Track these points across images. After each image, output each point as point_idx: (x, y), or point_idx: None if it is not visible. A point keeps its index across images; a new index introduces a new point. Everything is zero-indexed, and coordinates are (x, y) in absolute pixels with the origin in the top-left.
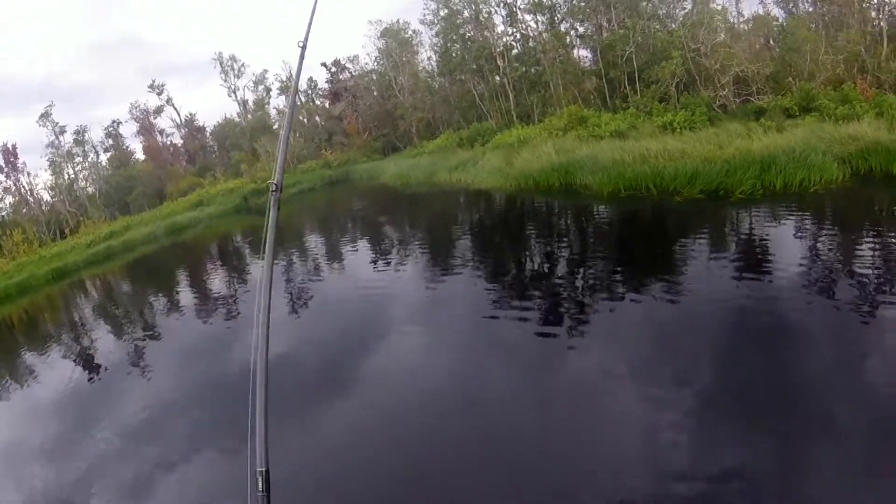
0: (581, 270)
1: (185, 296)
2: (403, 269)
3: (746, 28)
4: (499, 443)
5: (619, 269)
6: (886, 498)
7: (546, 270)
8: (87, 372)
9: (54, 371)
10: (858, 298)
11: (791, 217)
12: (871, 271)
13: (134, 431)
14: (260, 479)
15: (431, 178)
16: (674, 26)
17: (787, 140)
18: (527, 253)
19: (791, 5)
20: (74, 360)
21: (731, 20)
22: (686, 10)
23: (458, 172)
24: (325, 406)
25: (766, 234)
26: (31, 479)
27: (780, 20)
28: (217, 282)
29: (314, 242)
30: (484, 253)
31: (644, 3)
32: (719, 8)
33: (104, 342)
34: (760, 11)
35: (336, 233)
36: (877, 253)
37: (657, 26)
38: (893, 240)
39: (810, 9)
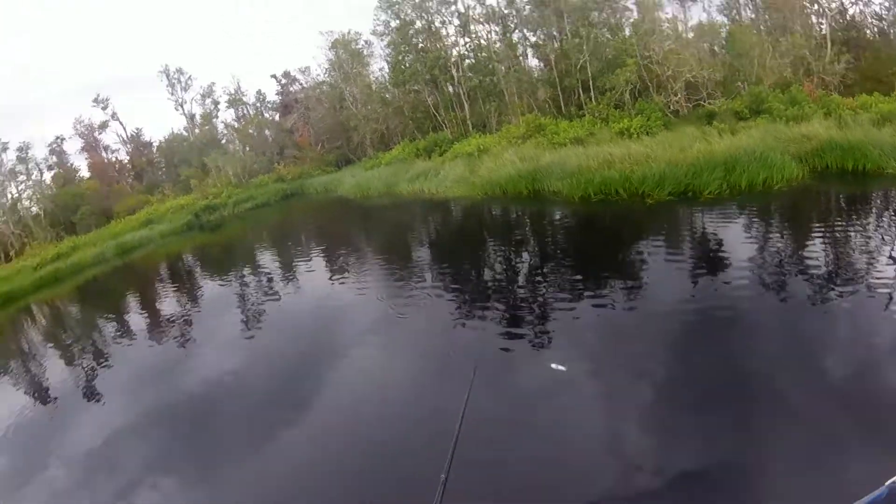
0: (553, 275)
1: (139, 320)
2: (375, 283)
3: (692, 36)
4: (470, 449)
5: (591, 272)
6: (840, 474)
7: (521, 276)
8: (34, 403)
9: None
10: (814, 292)
11: (757, 216)
12: (829, 266)
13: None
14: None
15: (392, 189)
16: (626, 34)
17: (745, 141)
18: (502, 260)
19: (734, 13)
20: (22, 393)
21: (680, 28)
22: (632, 19)
23: (419, 182)
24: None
25: (735, 234)
26: None
27: (725, 28)
28: (170, 305)
29: (276, 261)
30: (459, 262)
31: (595, 13)
32: (668, 17)
33: (55, 374)
34: (704, 19)
35: (298, 249)
36: (836, 248)
37: (608, 35)
38: (851, 233)
39: (752, 15)
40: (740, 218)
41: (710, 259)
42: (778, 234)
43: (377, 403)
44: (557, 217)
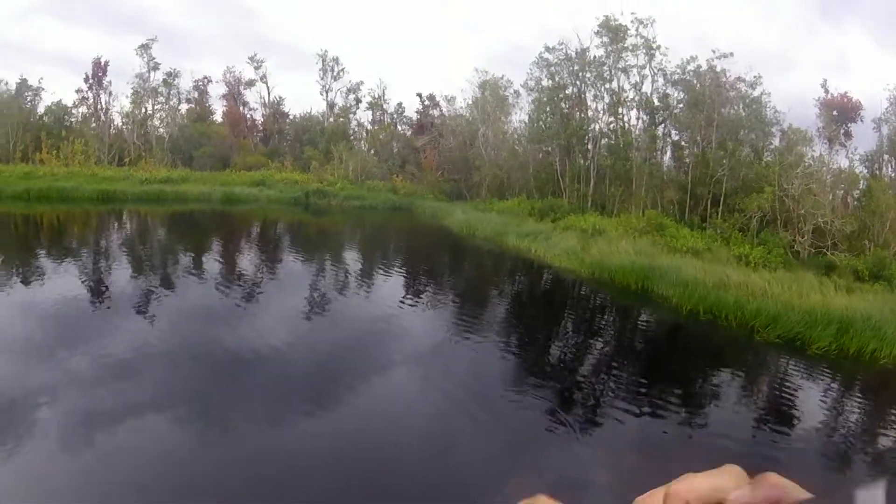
0: (628, 378)
1: (215, 265)
2: (445, 317)
3: (830, 179)
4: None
5: (666, 389)
6: None
7: (593, 366)
8: (88, 298)
9: (49, 282)
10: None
11: (858, 387)
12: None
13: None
14: None
15: (499, 238)
16: (768, 159)
17: (861, 304)
18: (585, 345)
19: (875, 166)
20: (82, 284)
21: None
22: (773, 146)
23: (528, 241)
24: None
25: (827, 398)
26: None
27: (864, 180)
28: (249, 263)
29: (362, 262)
30: (538, 330)
31: (744, 132)
32: (816, 154)
33: (119, 279)
34: (844, 164)
35: (387, 258)
36: None
37: (752, 156)
38: None
39: (893, 174)
40: (841, 383)
41: (793, 421)
42: (869, 412)
43: (386, 426)
44: (660, 323)
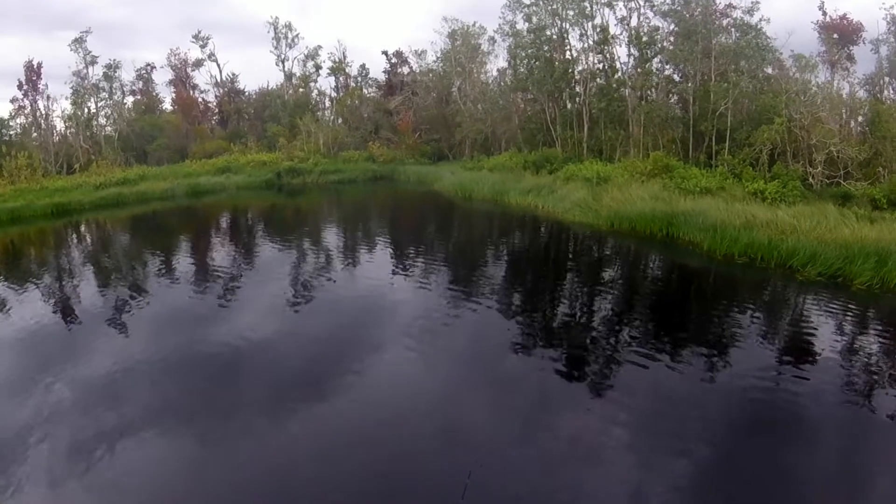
0: (661, 330)
1: (187, 264)
2: (444, 288)
3: (829, 105)
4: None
5: (700, 337)
6: None
7: (619, 321)
8: (55, 317)
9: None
10: None
11: None
12: None
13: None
14: None
15: (500, 198)
16: (767, 88)
17: (892, 235)
18: (609, 300)
19: (876, 89)
20: (48, 305)
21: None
22: (774, 74)
23: (532, 197)
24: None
25: (881, 335)
26: None
27: (866, 105)
28: (224, 258)
29: (348, 242)
30: (557, 289)
31: (744, 62)
32: (820, 82)
33: (85, 294)
34: (845, 91)
35: (376, 235)
36: None
37: (756, 86)
38: None
39: (894, 97)
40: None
41: (849, 361)
42: None
43: (389, 405)
44: (697, 271)
